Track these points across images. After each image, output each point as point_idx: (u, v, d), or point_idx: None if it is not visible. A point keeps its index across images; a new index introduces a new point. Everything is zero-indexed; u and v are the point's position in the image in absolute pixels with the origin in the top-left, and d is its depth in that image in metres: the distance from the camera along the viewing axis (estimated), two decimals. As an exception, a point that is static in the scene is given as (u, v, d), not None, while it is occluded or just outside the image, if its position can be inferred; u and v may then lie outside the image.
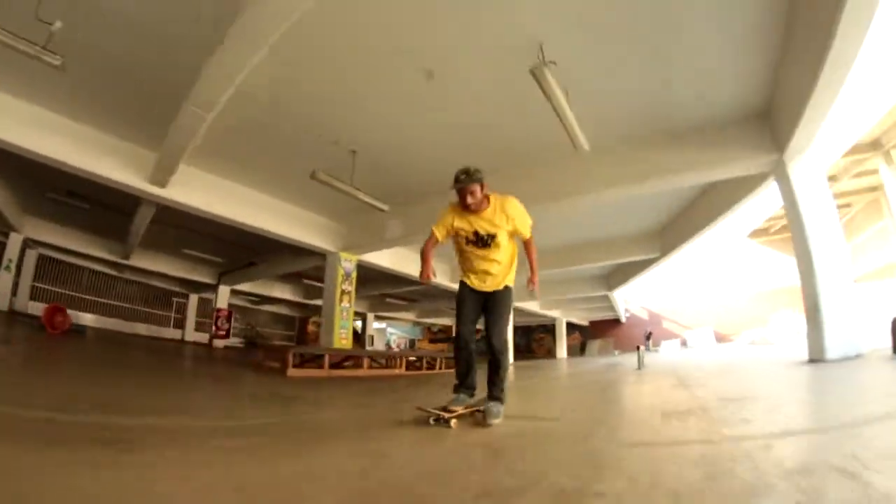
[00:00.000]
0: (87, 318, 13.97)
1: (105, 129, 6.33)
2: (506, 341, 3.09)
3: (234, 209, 7.94)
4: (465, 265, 3.19)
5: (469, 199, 2.96)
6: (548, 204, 6.97)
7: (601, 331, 28.25)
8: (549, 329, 25.28)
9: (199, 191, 7.43)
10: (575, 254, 12.08)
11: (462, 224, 3.09)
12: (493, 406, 2.94)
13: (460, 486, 1.61)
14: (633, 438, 2.48)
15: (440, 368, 10.12)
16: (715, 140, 5.94)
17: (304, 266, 12.05)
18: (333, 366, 7.87)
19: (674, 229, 10.25)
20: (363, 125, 6.02)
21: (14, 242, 11.70)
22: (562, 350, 23.62)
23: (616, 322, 27.18)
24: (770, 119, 5.63)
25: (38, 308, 11.45)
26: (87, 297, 14.63)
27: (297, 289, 18.75)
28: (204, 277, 15.54)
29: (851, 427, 2.12)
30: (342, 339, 9.53)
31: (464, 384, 3.05)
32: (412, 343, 29.95)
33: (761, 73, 5.03)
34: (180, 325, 17.32)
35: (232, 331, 16.83)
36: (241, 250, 12.48)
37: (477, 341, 3.02)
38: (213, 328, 15.65)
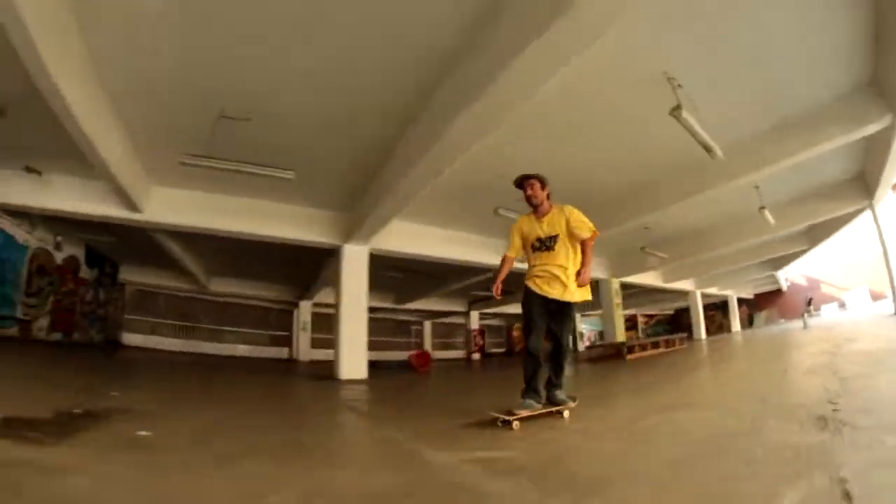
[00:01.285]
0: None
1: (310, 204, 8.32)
2: (569, 345, 3.44)
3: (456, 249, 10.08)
4: (532, 271, 3.39)
5: (529, 192, 3.34)
6: (680, 202, 7.94)
7: (765, 302, 29.10)
8: (717, 306, 26.51)
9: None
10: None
11: (528, 230, 3.43)
12: (556, 395, 3.36)
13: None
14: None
15: (676, 346, 13.52)
16: (819, 119, 6.12)
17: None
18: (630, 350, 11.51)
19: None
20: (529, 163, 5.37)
21: (305, 309, 18.44)
22: (735, 324, 24.47)
23: (778, 292, 27.97)
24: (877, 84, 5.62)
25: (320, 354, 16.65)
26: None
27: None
28: (455, 307, 20.41)
29: None
30: (621, 335, 14.20)
31: (530, 388, 3.23)
32: (602, 334, 34.01)
33: (860, 49, 4.97)
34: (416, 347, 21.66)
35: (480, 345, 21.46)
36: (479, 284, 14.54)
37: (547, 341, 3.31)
38: (473, 345, 20.65)
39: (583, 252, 3.41)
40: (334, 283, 9.19)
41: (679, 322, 27.83)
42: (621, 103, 5.50)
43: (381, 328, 20.97)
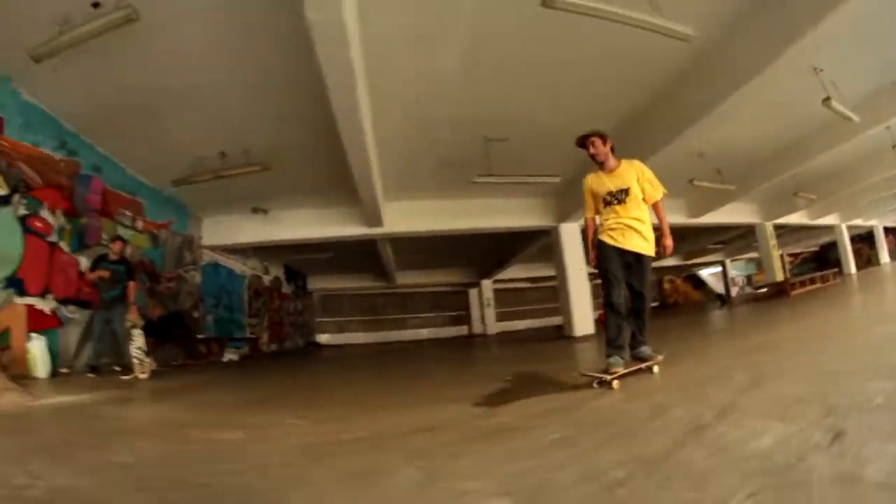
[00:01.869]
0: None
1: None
2: (650, 297, 3.35)
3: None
4: (605, 224, 3.32)
5: (592, 150, 3.30)
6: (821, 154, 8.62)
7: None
8: (863, 238, 22.97)
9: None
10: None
11: (597, 187, 3.36)
12: (643, 351, 3.26)
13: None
14: None
15: (830, 281, 13.20)
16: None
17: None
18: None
19: None
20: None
21: (487, 287, 20.11)
22: (884, 256, 21.54)
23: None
24: None
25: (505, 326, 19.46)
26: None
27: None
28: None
29: None
30: (780, 275, 13.91)
31: (615, 345, 3.13)
32: (749, 278, 31.32)
33: None
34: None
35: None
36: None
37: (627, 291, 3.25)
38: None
39: (658, 217, 3.37)
40: (555, 256, 10.59)
41: (825, 258, 26.34)
42: (769, 89, 5.59)
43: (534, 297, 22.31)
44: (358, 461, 1.87)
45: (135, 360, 5.42)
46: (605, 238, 3.26)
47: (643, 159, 3.47)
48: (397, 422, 2.71)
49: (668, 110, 6.16)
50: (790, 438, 1.47)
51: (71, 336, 5.70)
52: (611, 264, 3.20)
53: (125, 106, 5.70)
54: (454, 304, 21.68)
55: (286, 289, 15.97)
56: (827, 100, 6.00)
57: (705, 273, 28.85)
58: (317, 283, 18.43)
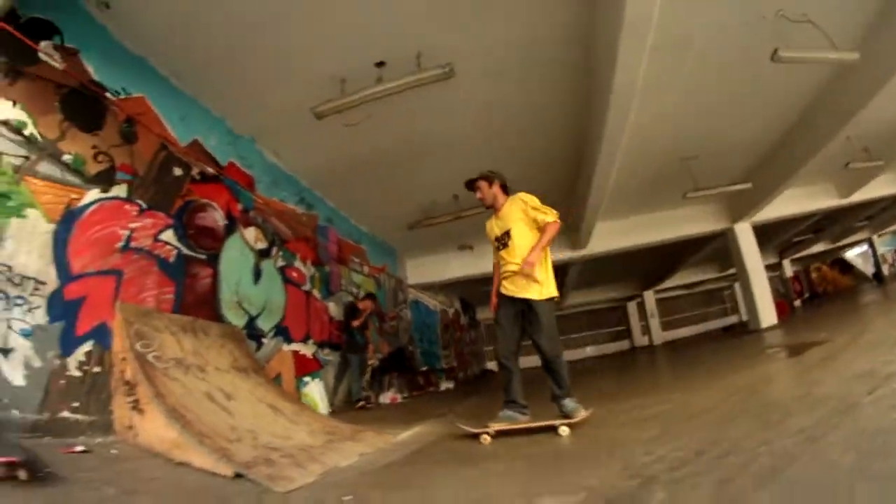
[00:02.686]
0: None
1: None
2: (556, 347, 2.96)
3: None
4: (501, 273, 3.14)
5: (478, 194, 3.22)
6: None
7: None
8: None
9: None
10: None
11: (489, 231, 3.24)
12: (564, 406, 2.86)
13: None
14: None
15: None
16: None
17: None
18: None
19: None
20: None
21: (649, 297, 19.90)
22: None
23: None
24: None
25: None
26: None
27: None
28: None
29: None
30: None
31: (506, 400, 2.98)
32: None
33: None
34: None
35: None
36: None
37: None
38: (793, 292, 19.44)
39: (542, 236, 3.00)
40: (733, 257, 10.83)
41: None
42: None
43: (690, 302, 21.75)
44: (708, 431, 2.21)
45: (368, 393, 6.37)
46: (501, 288, 3.09)
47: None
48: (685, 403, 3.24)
49: (824, 113, 6.60)
50: None
51: (329, 376, 6.06)
52: (500, 314, 3.06)
53: (358, 161, 6.08)
54: (613, 320, 21.94)
55: (463, 321, 16.22)
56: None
57: (851, 254, 24.35)
58: (485, 314, 18.60)
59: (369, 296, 6.88)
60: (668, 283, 18.74)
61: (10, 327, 2.57)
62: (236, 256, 4.81)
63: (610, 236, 10.03)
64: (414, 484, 2.16)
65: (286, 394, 4.09)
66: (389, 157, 6.16)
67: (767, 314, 9.89)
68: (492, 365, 18.80)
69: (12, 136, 2.82)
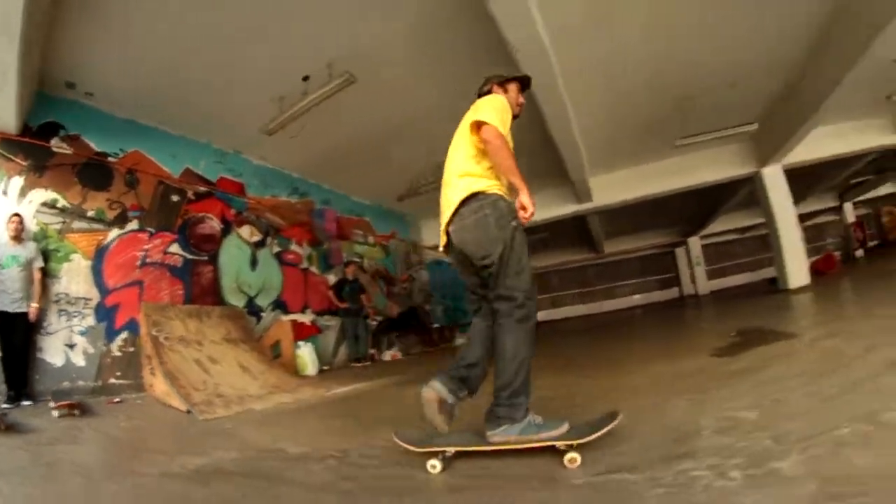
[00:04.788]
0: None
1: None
2: (512, 290, 1.86)
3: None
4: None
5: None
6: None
7: None
8: None
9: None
10: None
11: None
12: (493, 433, 1.80)
13: None
14: None
15: None
16: None
17: None
18: None
19: None
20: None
21: (695, 244, 18.61)
22: None
23: None
24: None
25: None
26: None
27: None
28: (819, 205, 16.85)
29: None
30: None
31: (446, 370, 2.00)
32: None
33: None
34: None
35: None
36: None
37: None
38: (854, 240, 16.59)
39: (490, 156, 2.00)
40: (761, 204, 9.81)
41: None
42: None
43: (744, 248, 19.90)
44: (647, 400, 2.59)
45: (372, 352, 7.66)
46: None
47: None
48: (660, 371, 3.47)
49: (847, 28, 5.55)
50: None
51: (329, 340, 7.61)
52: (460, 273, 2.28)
53: (344, 149, 7.06)
54: (661, 267, 20.84)
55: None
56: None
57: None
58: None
59: (350, 263, 7.96)
60: (719, 227, 17.40)
61: (72, 330, 4.30)
62: (234, 252, 6.33)
63: (619, 187, 9.83)
64: (286, 424, 3.48)
65: (265, 358, 5.61)
66: (363, 143, 7.00)
67: (797, 273, 8.96)
68: (540, 315, 19.42)
69: (51, 210, 4.39)
